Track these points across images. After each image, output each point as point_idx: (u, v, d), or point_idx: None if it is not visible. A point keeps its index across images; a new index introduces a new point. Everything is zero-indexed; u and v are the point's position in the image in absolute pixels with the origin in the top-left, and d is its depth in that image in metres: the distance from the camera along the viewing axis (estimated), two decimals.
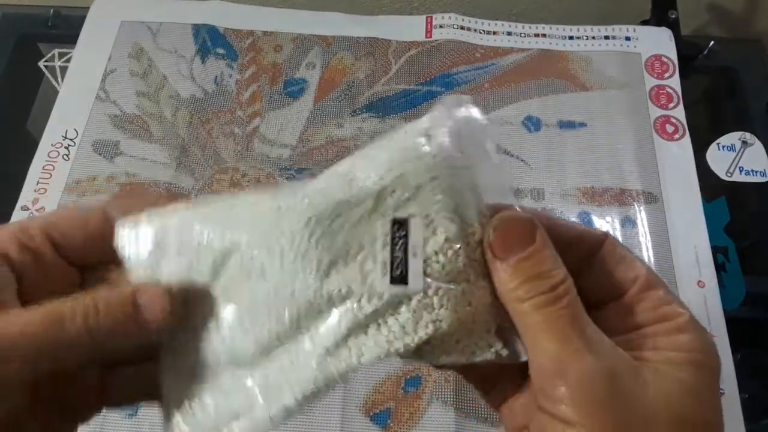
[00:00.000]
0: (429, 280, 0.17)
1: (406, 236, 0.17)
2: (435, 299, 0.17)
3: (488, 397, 0.20)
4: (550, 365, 0.16)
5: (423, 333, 0.17)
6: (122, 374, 0.20)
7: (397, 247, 0.17)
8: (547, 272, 0.17)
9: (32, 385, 0.16)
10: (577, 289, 0.17)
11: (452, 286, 0.17)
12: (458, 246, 0.17)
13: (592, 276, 0.19)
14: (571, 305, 0.17)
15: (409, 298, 0.17)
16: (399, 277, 0.17)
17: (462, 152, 0.18)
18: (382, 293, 0.17)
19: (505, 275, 0.17)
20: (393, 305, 0.18)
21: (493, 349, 0.18)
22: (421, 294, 0.17)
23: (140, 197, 0.20)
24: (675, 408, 0.16)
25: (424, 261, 0.17)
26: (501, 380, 0.20)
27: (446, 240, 0.18)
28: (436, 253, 0.17)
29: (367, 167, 0.19)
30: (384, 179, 0.18)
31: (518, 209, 0.18)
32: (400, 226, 0.18)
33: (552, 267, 0.17)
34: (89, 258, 0.19)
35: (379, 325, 0.18)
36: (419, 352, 0.18)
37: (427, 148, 0.18)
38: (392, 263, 0.17)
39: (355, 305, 0.18)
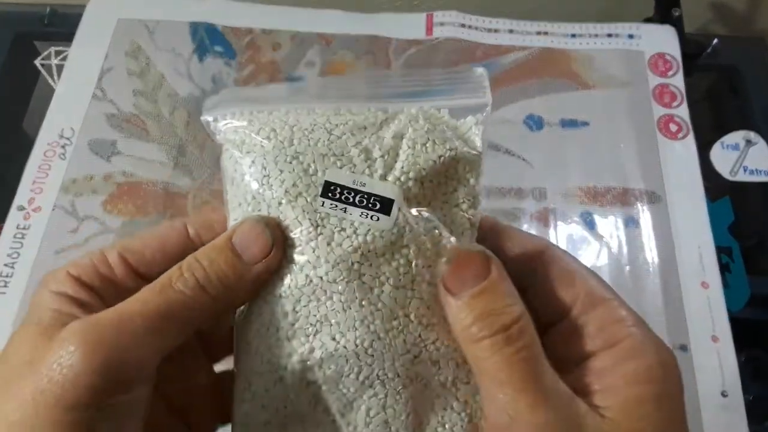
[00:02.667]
0: None
1: None
2: None
3: None
4: (501, 419, 0.15)
5: None
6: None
7: None
8: (502, 308, 0.16)
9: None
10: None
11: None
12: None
13: (534, 294, 0.17)
14: (527, 347, 0.15)
15: None
16: None
17: None
18: None
19: (458, 312, 0.16)
20: None
21: None
22: None
23: (219, 211, 0.19)
24: None
25: None
26: None
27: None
28: None
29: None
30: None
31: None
32: None
33: (507, 303, 0.16)
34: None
35: None
36: None
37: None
38: None
39: None
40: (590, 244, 0.45)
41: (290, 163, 0.17)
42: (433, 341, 0.17)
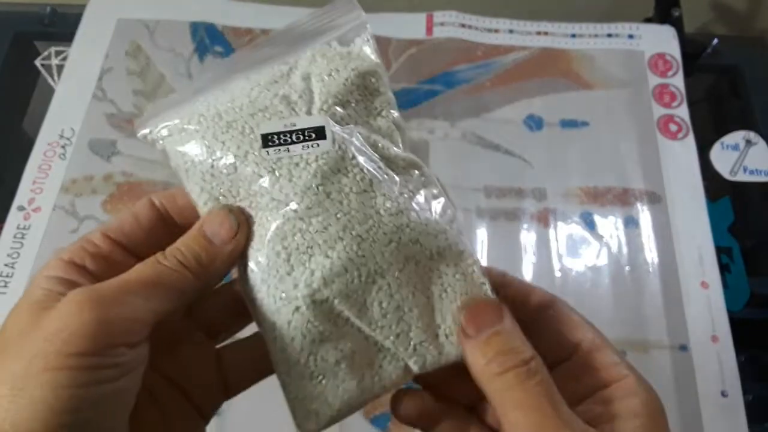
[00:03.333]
0: None
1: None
2: None
3: None
4: None
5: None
6: (236, 359, 0.22)
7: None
8: (518, 347, 0.18)
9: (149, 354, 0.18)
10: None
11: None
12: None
13: (540, 337, 0.19)
14: (546, 380, 0.17)
15: None
16: None
17: None
18: None
19: (477, 351, 0.18)
20: None
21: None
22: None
23: (179, 189, 0.21)
24: None
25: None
26: None
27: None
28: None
29: None
30: None
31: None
32: None
33: (522, 344, 0.18)
34: (156, 248, 0.20)
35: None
36: None
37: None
38: None
39: None
40: (590, 244, 0.45)
41: (227, 132, 0.19)
42: (407, 224, 0.19)
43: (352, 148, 0.19)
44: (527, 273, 0.44)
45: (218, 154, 0.19)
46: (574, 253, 0.45)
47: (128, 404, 0.17)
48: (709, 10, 0.62)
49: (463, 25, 0.55)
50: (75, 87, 0.51)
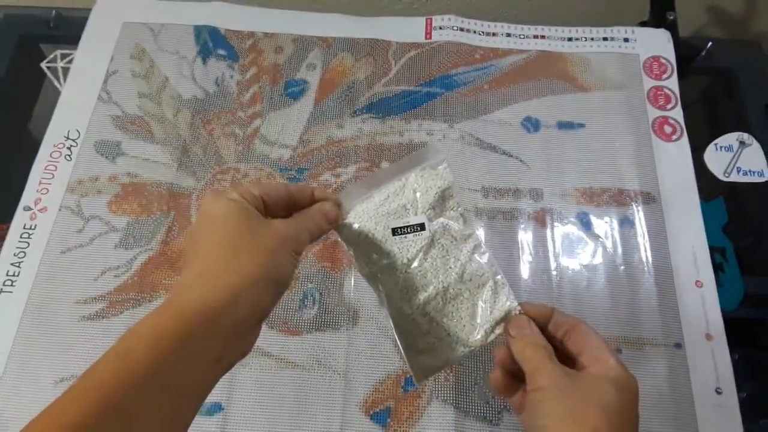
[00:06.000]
0: None
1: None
2: None
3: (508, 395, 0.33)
4: (553, 381, 0.28)
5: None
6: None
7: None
8: (538, 341, 0.31)
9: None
10: (557, 350, 0.31)
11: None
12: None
13: (569, 342, 0.31)
14: (555, 359, 0.30)
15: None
16: None
17: None
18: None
19: (516, 344, 0.31)
20: None
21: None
22: None
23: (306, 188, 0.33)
24: (608, 399, 0.28)
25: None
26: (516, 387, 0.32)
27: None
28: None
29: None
30: None
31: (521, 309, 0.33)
32: None
33: (540, 339, 0.31)
34: (281, 214, 0.31)
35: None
36: None
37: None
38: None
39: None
40: (586, 244, 0.46)
41: (376, 223, 0.33)
42: (466, 271, 0.33)
43: (438, 233, 0.33)
44: (524, 272, 0.45)
45: (371, 235, 0.33)
46: (571, 253, 0.46)
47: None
48: (704, 14, 0.63)
49: (461, 29, 0.55)
50: (80, 89, 0.52)
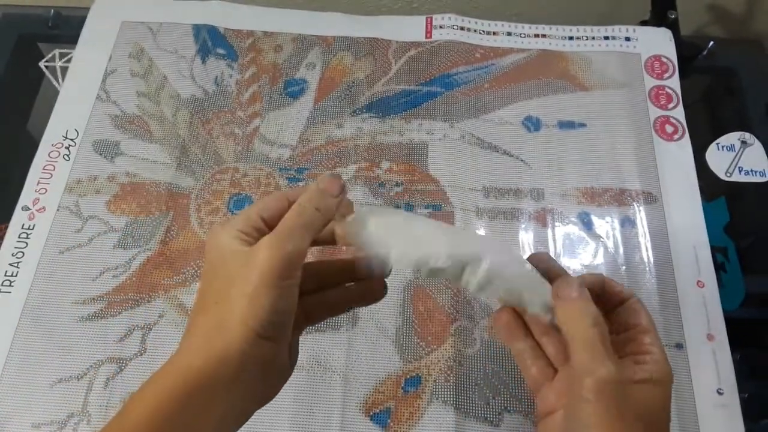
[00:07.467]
0: None
1: None
2: None
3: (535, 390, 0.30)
4: (585, 358, 0.26)
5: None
6: (317, 301, 0.30)
7: None
8: (595, 313, 0.26)
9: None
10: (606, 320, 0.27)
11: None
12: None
13: (616, 316, 0.29)
14: (605, 332, 0.26)
15: None
16: None
17: None
18: None
19: (568, 310, 0.27)
20: None
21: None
22: None
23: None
24: (651, 409, 0.26)
25: None
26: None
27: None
28: None
29: None
30: None
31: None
32: None
33: (596, 313, 0.27)
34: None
35: None
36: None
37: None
38: None
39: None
40: (587, 244, 0.46)
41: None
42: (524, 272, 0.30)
43: None
44: None
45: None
46: (572, 253, 0.45)
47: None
48: (705, 13, 0.63)
49: (462, 28, 0.55)
50: (79, 88, 0.52)
